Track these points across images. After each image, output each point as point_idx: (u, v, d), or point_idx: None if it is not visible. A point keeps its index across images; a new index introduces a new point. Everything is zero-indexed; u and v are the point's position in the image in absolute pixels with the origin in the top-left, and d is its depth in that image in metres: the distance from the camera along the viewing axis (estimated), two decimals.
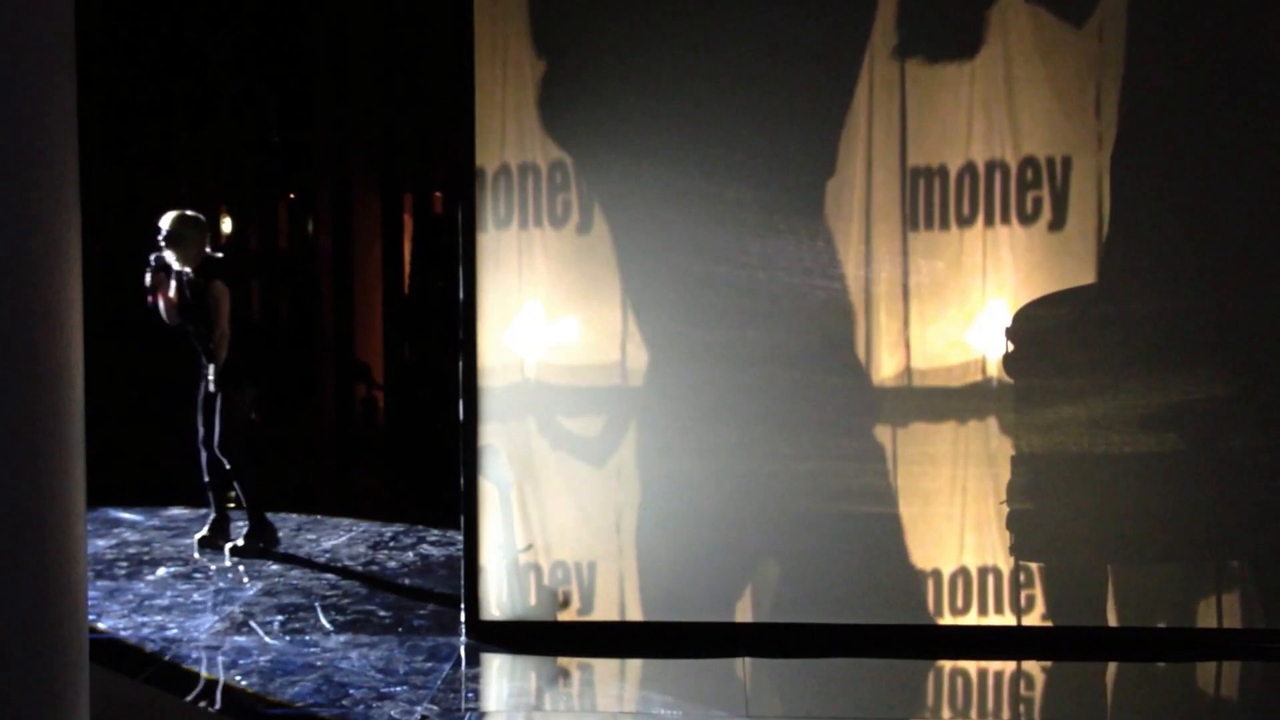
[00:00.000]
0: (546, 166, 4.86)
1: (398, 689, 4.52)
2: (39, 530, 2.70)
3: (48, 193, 2.71)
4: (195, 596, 5.63)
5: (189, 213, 6.19)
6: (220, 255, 6.30)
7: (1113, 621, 4.88)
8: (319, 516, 6.99)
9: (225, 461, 6.23)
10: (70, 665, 2.81)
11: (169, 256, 6.11)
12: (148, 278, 6.18)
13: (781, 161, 4.80)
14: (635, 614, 4.97)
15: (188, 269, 6.12)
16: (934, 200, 4.79)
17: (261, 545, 6.31)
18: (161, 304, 6.18)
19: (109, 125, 8.52)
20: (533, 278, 4.90)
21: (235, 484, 6.32)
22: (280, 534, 6.51)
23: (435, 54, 8.84)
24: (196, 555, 6.31)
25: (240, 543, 6.34)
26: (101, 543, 6.56)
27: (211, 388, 6.20)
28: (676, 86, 4.81)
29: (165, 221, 6.12)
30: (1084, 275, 4.78)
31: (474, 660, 4.87)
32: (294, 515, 7.13)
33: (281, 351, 8.80)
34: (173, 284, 6.15)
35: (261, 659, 4.80)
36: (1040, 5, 4.73)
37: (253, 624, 5.22)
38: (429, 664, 4.77)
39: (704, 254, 4.85)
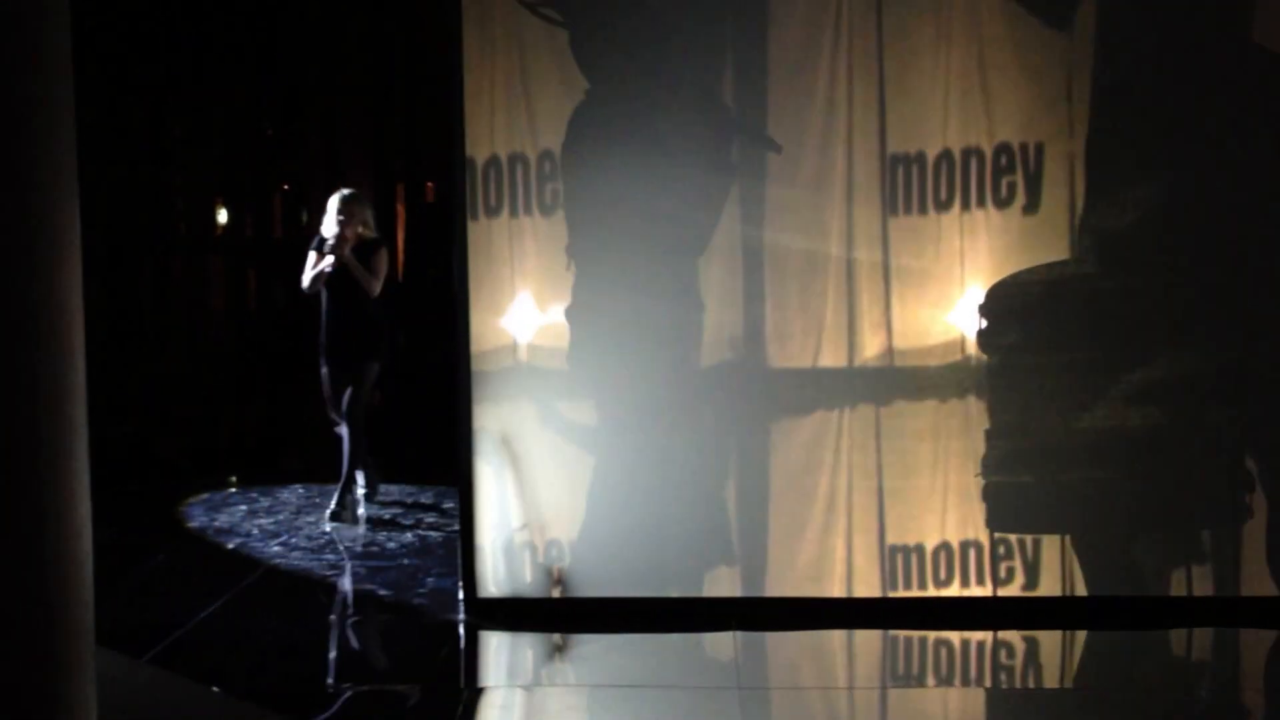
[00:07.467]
0: (535, 156, 4.97)
1: (398, 667, 4.65)
2: (41, 514, 2.79)
3: (49, 190, 2.82)
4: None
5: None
6: None
7: (1088, 590, 5.02)
8: (317, 499, 7.11)
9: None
10: (75, 642, 2.90)
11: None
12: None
13: (760, 153, 4.92)
14: (629, 590, 5.08)
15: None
16: (913, 185, 4.91)
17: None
18: None
19: (106, 118, 8.60)
20: (523, 265, 5.01)
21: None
22: (280, 517, 6.62)
23: (426, 43, 8.93)
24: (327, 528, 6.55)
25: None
26: None
27: None
28: (656, 72, 4.93)
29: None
30: (1057, 257, 4.91)
31: (472, 637, 5.00)
32: (292, 498, 7.25)
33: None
34: None
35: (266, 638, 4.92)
36: None
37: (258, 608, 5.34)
38: (428, 642, 4.89)
39: (686, 242, 4.98)
